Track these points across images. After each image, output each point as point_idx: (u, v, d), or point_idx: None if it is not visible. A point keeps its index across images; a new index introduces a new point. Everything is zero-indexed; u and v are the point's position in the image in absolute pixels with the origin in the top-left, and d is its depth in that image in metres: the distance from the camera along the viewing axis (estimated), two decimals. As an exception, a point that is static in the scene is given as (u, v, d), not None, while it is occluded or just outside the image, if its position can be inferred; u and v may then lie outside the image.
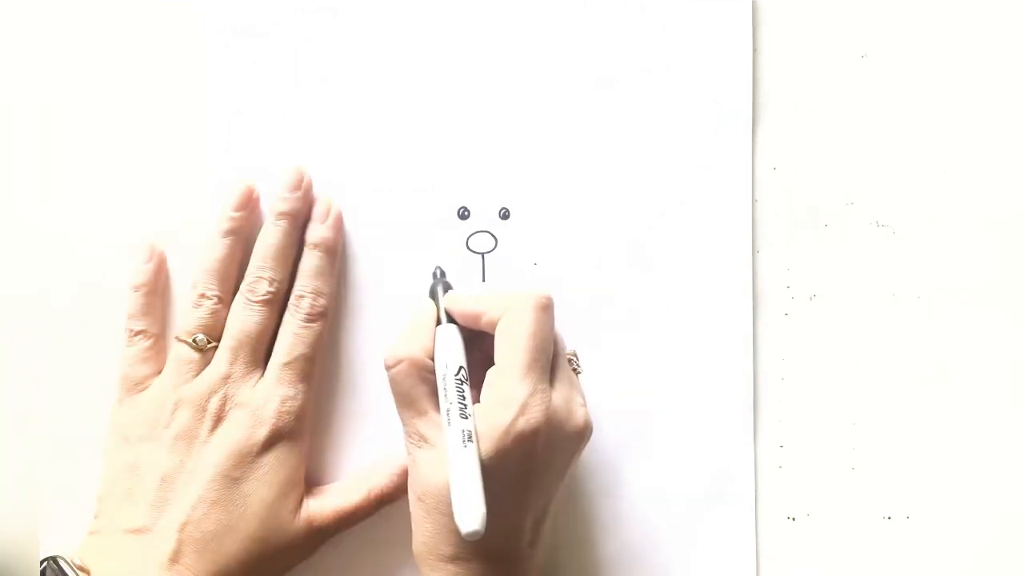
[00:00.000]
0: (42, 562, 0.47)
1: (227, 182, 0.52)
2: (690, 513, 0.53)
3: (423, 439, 0.46)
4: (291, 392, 0.50)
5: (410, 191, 0.53)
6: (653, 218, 0.54)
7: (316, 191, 0.52)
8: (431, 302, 0.50)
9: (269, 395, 0.50)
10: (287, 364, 0.50)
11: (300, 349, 0.51)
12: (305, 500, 0.50)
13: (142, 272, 0.52)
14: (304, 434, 0.51)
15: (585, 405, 0.47)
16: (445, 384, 0.46)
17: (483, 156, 0.53)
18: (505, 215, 0.53)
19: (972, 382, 0.54)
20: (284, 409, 0.50)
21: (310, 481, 0.52)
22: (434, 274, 0.53)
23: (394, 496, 0.51)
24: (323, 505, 0.51)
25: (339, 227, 0.52)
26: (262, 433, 0.49)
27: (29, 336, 0.53)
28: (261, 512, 0.49)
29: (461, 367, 0.46)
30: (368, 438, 0.53)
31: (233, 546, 0.48)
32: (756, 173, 0.54)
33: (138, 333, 0.51)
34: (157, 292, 0.52)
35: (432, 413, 0.46)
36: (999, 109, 0.54)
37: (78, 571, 0.47)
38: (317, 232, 0.52)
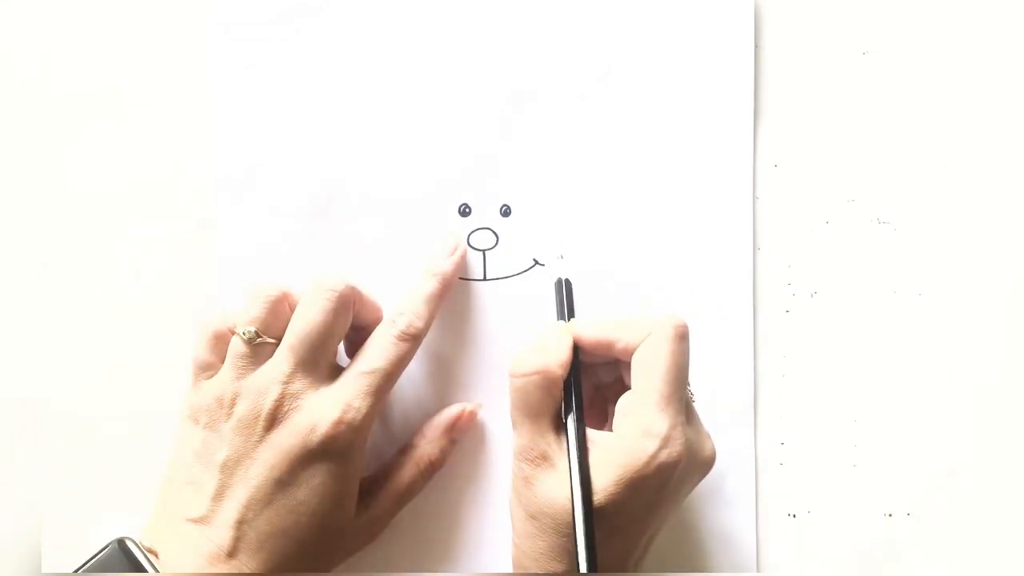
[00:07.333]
0: (107, 544, 0.46)
1: (230, 178, 0.53)
2: (691, 509, 0.53)
3: (543, 458, 0.46)
4: (356, 403, 0.47)
5: (411, 188, 0.53)
6: (653, 215, 0.54)
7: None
8: (563, 324, 0.49)
9: (334, 401, 0.47)
10: (364, 373, 0.48)
11: (382, 363, 0.48)
12: (359, 496, 0.49)
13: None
14: (359, 449, 0.48)
15: (709, 435, 0.48)
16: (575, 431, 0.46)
17: (484, 153, 0.54)
18: (506, 212, 0.53)
19: (973, 379, 0.54)
20: (346, 419, 0.47)
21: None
22: (558, 284, 0.51)
23: (442, 462, 0.52)
24: (379, 492, 0.50)
25: (461, 265, 0.53)
26: (315, 440, 0.47)
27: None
28: (314, 522, 0.47)
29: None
30: (374, 434, 0.53)
31: (288, 549, 0.47)
32: (757, 170, 0.54)
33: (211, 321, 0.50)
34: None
35: (555, 433, 0.46)
36: (1000, 106, 0.54)
37: (147, 553, 0.46)
38: (443, 264, 0.52)
